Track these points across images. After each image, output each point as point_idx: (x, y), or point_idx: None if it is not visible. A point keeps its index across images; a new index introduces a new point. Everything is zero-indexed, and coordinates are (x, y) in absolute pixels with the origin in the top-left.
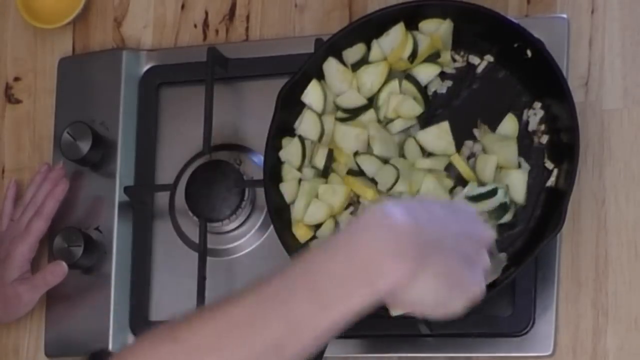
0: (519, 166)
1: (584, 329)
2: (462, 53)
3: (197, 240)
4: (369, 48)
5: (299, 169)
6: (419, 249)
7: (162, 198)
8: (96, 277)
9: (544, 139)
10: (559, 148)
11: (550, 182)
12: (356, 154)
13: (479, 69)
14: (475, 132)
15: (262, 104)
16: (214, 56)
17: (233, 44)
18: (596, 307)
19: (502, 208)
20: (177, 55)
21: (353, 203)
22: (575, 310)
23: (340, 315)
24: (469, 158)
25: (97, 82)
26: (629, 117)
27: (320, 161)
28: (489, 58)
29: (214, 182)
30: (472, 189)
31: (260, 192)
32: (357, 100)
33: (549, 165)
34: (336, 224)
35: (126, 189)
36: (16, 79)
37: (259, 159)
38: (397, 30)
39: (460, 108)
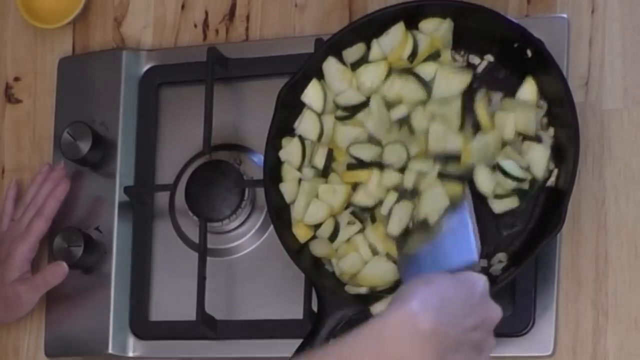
0: (540, 140)
1: (584, 329)
2: (462, 53)
3: (197, 240)
4: (368, 48)
5: (299, 169)
6: (440, 353)
7: (162, 198)
8: (96, 277)
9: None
10: (559, 148)
11: (550, 182)
12: (348, 146)
13: (479, 69)
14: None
15: (262, 104)
16: (214, 56)
17: (233, 44)
18: (596, 307)
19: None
20: (177, 55)
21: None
22: (575, 310)
23: None
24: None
25: (97, 82)
26: (629, 117)
27: (320, 161)
28: (489, 58)
29: (214, 182)
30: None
31: (260, 192)
32: (356, 98)
33: (549, 165)
34: (337, 224)
35: (126, 189)
36: (16, 79)
37: (259, 159)
38: (397, 30)
39: None
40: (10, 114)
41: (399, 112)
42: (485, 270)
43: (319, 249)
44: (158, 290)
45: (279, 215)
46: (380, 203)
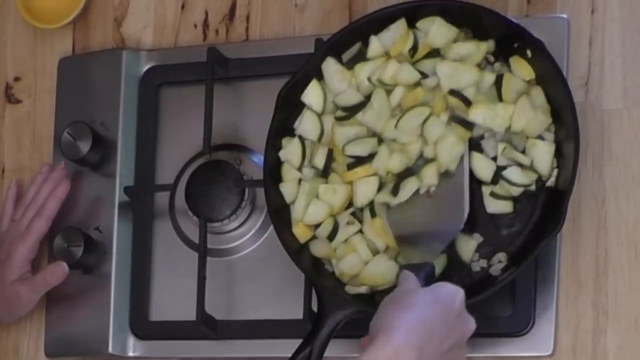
0: (542, 139)
1: (584, 329)
2: None
3: (197, 240)
4: (366, 46)
5: (299, 169)
6: None
7: (162, 198)
8: (96, 277)
9: None
10: (559, 148)
11: (550, 182)
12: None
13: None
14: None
15: (262, 104)
16: (214, 56)
17: (233, 44)
18: (596, 307)
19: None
20: (177, 55)
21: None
22: (575, 310)
23: None
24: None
25: (97, 82)
26: (629, 117)
27: (320, 161)
28: (489, 58)
29: (214, 182)
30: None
31: (260, 192)
32: (355, 98)
33: (553, 162)
34: (336, 223)
35: (126, 189)
36: (16, 79)
37: (259, 159)
38: (398, 26)
39: None
40: (10, 114)
41: (396, 97)
42: (485, 270)
43: (318, 249)
44: (158, 290)
45: (279, 215)
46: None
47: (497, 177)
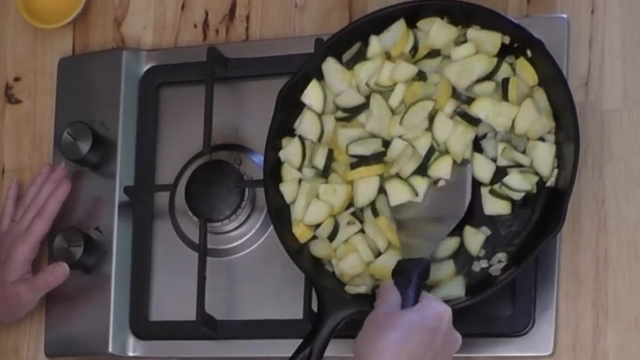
0: (543, 140)
1: (584, 329)
2: None
3: (197, 240)
4: (366, 46)
5: (299, 169)
6: None
7: (162, 198)
8: (96, 277)
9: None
10: (559, 148)
11: (550, 182)
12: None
13: None
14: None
15: (262, 104)
16: (214, 56)
17: (233, 44)
18: (596, 306)
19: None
20: (177, 55)
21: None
22: (575, 310)
23: None
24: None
25: (97, 82)
26: (629, 117)
27: (320, 161)
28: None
29: (214, 182)
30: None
31: (260, 192)
32: (356, 100)
33: (554, 163)
34: (336, 223)
35: (126, 189)
36: (16, 79)
37: (259, 159)
38: (398, 26)
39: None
40: (10, 114)
41: (397, 95)
42: (485, 271)
43: (319, 249)
44: (158, 290)
45: (279, 215)
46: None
47: (496, 178)
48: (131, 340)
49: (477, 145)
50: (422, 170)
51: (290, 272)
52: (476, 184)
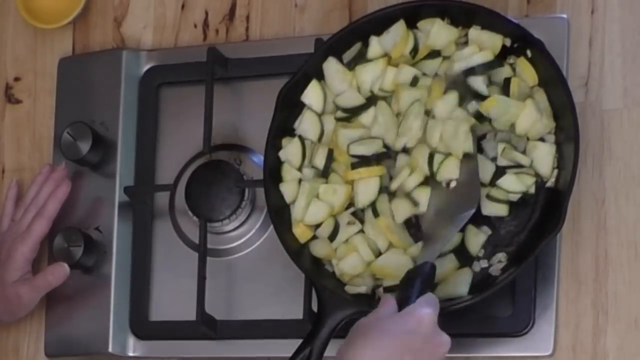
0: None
1: (584, 329)
2: None
3: (197, 240)
4: (366, 46)
5: (299, 169)
6: None
7: (162, 198)
8: (96, 277)
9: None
10: (559, 148)
11: (550, 182)
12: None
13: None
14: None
15: (262, 104)
16: (214, 56)
17: (233, 44)
18: (596, 306)
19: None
20: (177, 55)
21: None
22: (575, 310)
23: None
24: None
25: (97, 82)
26: (629, 117)
27: (320, 161)
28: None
29: (214, 182)
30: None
31: (260, 192)
32: (356, 100)
33: (554, 163)
34: (336, 223)
35: (126, 189)
36: (16, 79)
37: (259, 159)
38: (398, 27)
39: None
40: (10, 114)
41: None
42: (485, 271)
43: (319, 249)
44: (158, 290)
45: (279, 215)
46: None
47: (496, 178)
48: (131, 340)
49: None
50: (431, 177)
51: (290, 272)
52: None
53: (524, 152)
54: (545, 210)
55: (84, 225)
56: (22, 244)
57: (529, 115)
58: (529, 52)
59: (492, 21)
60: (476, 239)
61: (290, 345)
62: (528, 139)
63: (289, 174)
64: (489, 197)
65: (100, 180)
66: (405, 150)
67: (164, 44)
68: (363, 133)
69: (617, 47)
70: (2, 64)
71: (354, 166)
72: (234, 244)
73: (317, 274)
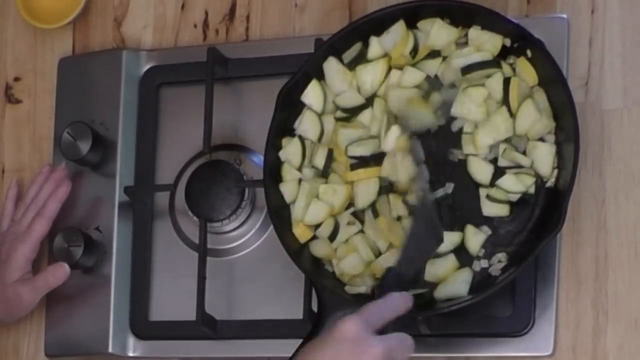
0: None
1: (584, 329)
2: None
3: (197, 240)
4: (366, 46)
5: (299, 169)
6: None
7: (162, 198)
8: (96, 277)
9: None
10: (559, 148)
11: (550, 182)
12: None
13: None
14: None
15: (262, 104)
16: (214, 56)
17: (233, 44)
18: (596, 307)
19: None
20: (177, 55)
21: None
22: (575, 310)
23: None
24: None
25: (97, 82)
26: (629, 117)
27: (320, 161)
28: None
29: (214, 182)
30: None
31: (260, 192)
32: (356, 100)
33: (554, 163)
34: (336, 224)
35: (126, 189)
36: (16, 79)
37: (259, 159)
38: (398, 28)
39: None
40: (10, 114)
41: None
42: (485, 271)
43: (319, 249)
44: (158, 290)
45: (279, 215)
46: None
47: (496, 179)
48: (131, 340)
49: None
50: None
51: (290, 272)
52: (475, 185)
53: (524, 153)
54: (545, 210)
55: (84, 225)
56: (22, 244)
57: (527, 115)
58: (529, 52)
59: (492, 21)
60: (476, 239)
61: (290, 345)
62: (528, 139)
63: (289, 174)
64: (489, 197)
65: (100, 180)
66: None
67: (164, 44)
68: (362, 133)
69: (617, 47)
70: (2, 64)
71: (352, 167)
72: (234, 244)
73: (317, 274)
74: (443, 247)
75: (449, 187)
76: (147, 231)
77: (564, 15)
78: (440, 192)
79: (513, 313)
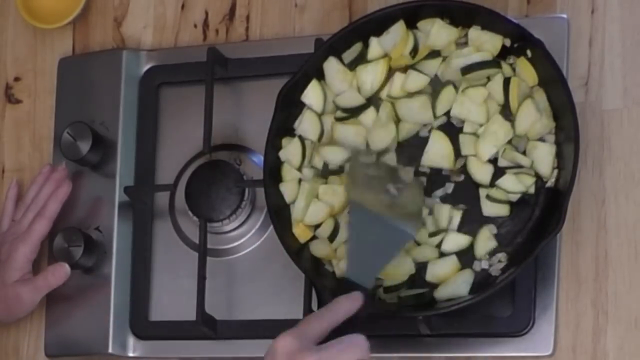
0: (543, 140)
1: (584, 329)
2: None
3: (197, 240)
4: (366, 46)
5: (299, 169)
6: None
7: (162, 198)
8: (96, 277)
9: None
10: (559, 148)
11: (550, 182)
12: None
13: None
14: None
15: (262, 104)
16: (214, 56)
17: (233, 44)
18: (596, 307)
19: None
20: (177, 55)
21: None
22: (575, 310)
23: None
24: None
25: (97, 82)
26: (629, 117)
27: (320, 161)
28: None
29: (214, 182)
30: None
31: (260, 192)
32: (356, 100)
33: (554, 163)
34: (336, 224)
35: (126, 189)
36: (16, 79)
37: (259, 159)
38: (398, 28)
39: None
40: (10, 114)
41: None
42: (485, 271)
43: (319, 249)
44: (158, 290)
45: (279, 215)
46: None
47: (496, 179)
48: (131, 340)
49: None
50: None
51: (290, 272)
52: (475, 186)
53: (524, 153)
54: (545, 210)
55: (84, 225)
56: (23, 244)
57: (527, 115)
58: (529, 52)
59: (492, 21)
60: (486, 245)
61: None
62: (528, 139)
63: (289, 174)
64: (489, 197)
65: (100, 180)
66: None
67: (164, 44)
68: (360, 131)
69: (617, 47)
70: (2, 64)
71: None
72: (234, 244)
73: (317, 274)
74: (446, 249)
75: (449, 187)
76: (147, 231)
77: (564, 15)
78: (440, 192)
79: (513, 313)
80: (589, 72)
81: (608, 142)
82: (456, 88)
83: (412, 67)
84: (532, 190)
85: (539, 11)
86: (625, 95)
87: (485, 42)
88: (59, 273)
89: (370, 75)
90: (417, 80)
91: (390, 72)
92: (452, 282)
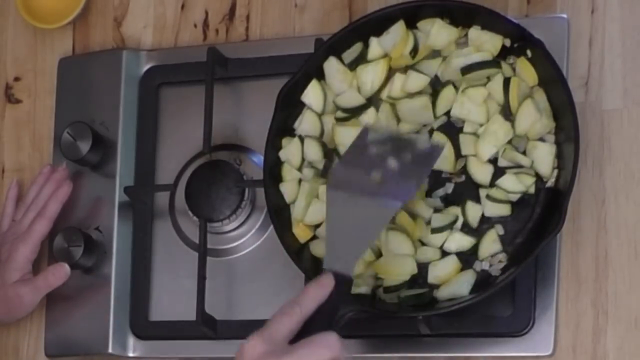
0: (543, 140)
1: (584, 329)
2: None
3: (197, 240)
4: (366, 46)
5: (299, 169)
6: None
7: (162, 198)
8: (96, 277)
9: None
10: (559, 148)
11: (550, 182)
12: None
13: None
14: None
15: (262, 104)
16: (214, 56)
17: (233, 44)
18: (596, 307)
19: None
20: (177, 55)
21: None
22: (575, 310)
23: None
24: None
25: (97, 82)
26: (629, 117)
27: (320, 161)
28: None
29: (214, 182)
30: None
31: (260, 192)
32: (356, 100)
33: (554, 163)
34: None
35: (126, 189)
36: (16, 79)
37: (259, 159)
38: (398, 28)
39: None
40: (10, 114)
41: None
42: (485, 271)
43: (319, 249)
44: (158, 290)
45: (279, 215)
46: None
47: (496, 179)
48: (131, 340)
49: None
50: None
51: (290, 272)
52: (475, 186)
53: (524, 153)
54: (545, 210)
55: (84, 225)
56: (23, 244)
57: (527, 115)
58: (529, 52)
59: (492, 21)
60: (491, 247)
61: None
62: (528, 139)
63: (289, 174)
64: (489, 197)
65: (100, 180)
66: None
67: (164, 44)
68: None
69: (617, 47)
70: (2, 64)
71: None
72: (234, 244)
73: (317, 274)
74: (447, 249)
75: (449, 187)
76: (147, 231)
77: (564, 15)
78: (440, 192)
79: (513, 313)
80: (589, 72)
81: (608, 142)
82: (456, 88)
83: (412, 67)
84: (532, 190)
85: (539, 11)
86: (625, 95)
87: (485, 42)
88: (59, 273)
89: (371, 76)
90: (417, 81)
91: (390, 72)
92: (454, 283)
